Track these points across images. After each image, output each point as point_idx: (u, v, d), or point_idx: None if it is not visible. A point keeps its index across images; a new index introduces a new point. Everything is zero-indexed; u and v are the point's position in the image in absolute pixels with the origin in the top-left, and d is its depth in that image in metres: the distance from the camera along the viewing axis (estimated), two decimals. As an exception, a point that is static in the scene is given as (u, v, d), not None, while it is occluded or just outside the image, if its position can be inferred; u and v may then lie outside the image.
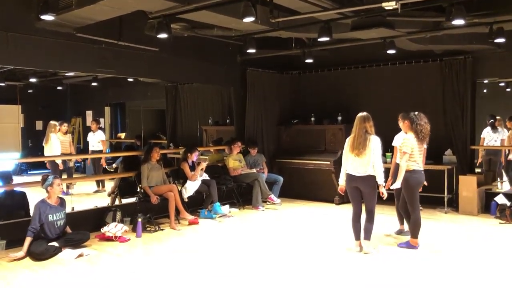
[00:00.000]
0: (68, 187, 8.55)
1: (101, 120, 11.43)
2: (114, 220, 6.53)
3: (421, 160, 5.53)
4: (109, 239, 5.97)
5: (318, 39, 6.40)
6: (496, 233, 6.23)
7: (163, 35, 5.90)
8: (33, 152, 10.65)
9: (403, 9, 5.26)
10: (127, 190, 7.20)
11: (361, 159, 5.09)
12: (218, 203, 7.32)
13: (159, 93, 11.09)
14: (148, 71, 7.43)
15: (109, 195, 7.76)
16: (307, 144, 8.97)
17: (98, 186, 9.42)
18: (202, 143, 10.15)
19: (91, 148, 9.83)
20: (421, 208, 5.56)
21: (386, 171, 5.61)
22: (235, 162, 8.24)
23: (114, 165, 9.54)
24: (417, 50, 7.68)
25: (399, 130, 6.05)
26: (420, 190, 5.57)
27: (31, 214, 5.43)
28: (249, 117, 8.85)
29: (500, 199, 7.10)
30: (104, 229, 6.08)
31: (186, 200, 7.22)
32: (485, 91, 8.81)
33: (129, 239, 6.03)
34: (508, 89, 9.69)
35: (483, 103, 8.24)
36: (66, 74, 9.64)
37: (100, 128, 9.97)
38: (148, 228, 6.50)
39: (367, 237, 5.25)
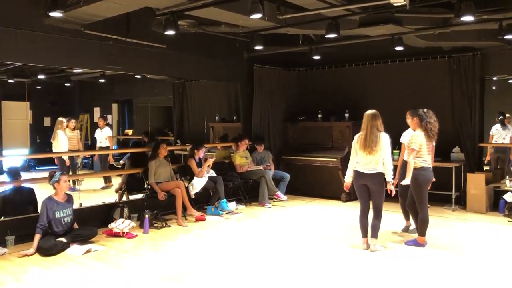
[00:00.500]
0: (75, 183, 8.61)
1: (109, 116, 11.46)
2: (121, 216, 6.56)
3: (429, 157, 5.50)
4: (116, 235, 6.00)
5: (326, 36, 6.38)
6: (505, 231, 6.19)
7: (170, 32, 5.91)
8: (41, 148, 10.71)
9: (411, 5, 5.23)
10: (134, 186, 7.22)
11: (373, 157, 5.07)
12: (225, 200, 7.33)
13: (166, 90, 11.12)
14: (155, 68, 7.44)
15: (116, 191, 7.80)
16: (314, 141, 8.95)
17: (106, 182, 9.47)
18: (209, 140, 10.17)
19: (98, 144, 9.88)
20: (428, 206, 5.53)
21: (394, 169, 5.58)
22: (241, 159, 8.24)
23: (121, 162, 9.59)
24: (425, 46, 7.63)
25: (407, 127, 6.01)
26: (429, 187, 5.55)
27: (39, 210, 5.47)
28: (256, 114, 8.84)
29: (509, 197, 7.05)
30: (112, 225, 6.11)
31: (193, 196, 7.24)
32: (494, 88, 8.73)
33: (136, 235, 6.06)
34: (517, 86, 9.59)
35: (491, 100, 8.18)
36: (74, 70, 9.67)
37: (107, 125, 10.01)
38: (155, 225, 6.53)
39: (375, 234, 5.24)
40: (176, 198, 6.68)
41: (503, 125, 8.33)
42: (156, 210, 6.65)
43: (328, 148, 8.68)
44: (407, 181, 5.37)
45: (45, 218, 5.32)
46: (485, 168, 8.14)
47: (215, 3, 5.45)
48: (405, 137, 6.18)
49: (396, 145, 6.52)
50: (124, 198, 7.28)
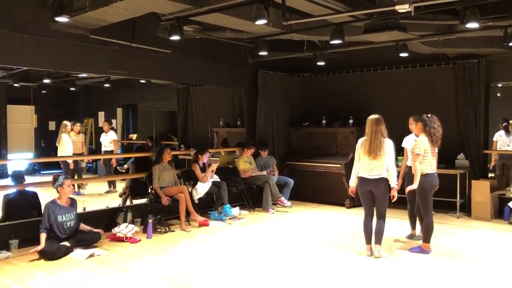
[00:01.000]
0: (79, 187, 8.62)
1: (113, 121, 11.50)
2: (125, 220, 6.56)
3: (434, 162, 5.48)
4: (120, 239, 6.00)
5: (330, 42, 6.39)
6: (509, 239, 6.15)
7: (175, 37, 5.94)
8: (45, 152, 10.74)
9: (416, 12, 5.23)
10: (138, 191, 7.24)
11: (377, 162, 5.06)
12: (228, 205, 7.32)
13: (170, 95, 11.15)
14: (160, 72, 7.48)
15: (120, 195, 7.81)
16: (318, 146, 8.94)
17: (110, 186, 9.48)
18: (213, 145, 10.18)
19: (103, 148, 9.90)
20: (433, 212, 5.50)
21: (397, 175, 5.56)
22: (245, 164, 8.24)
23: (125, 166, 9.59)
24: (430, 53, 7.63)
25: (411, 133, 6.01)
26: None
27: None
28: (260, 119, 8.85)
29: (514, 205, 7.02)
30: (115, 230, 6.11)
31: (197, 201, 7.24)
32: (498, 94, 8.70)
33: (139, 240, 6.06)
34: (522, 93, 9.56)
35: (496, 107, 8.15)
36: (79, 75, 9.72)
37: (112, 129, 10.04)
38: (159, 229, 6.53)
39: (378, 241, 5.21)
40: (180, 203, 6.68)
41: (507, 132, 8.29)
42: (159, 215, 6.66)
43: (332, 154, 8.67)
44: (414, 186, 5.34)
45: (47, 221, 5.33)
46: (490, 175, 8.10)
47: (220, 9, 5.47)
48: (407, 142, 6.19)
49: (400, 151, 6.51)
50: (128, 203, 7.29)
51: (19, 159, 8.83)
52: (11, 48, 5.56)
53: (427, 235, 5.41)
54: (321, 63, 8.30)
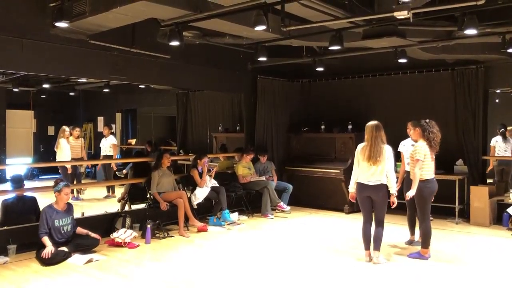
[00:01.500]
0: (78, 192, 8.61)
1: (112, 126, 11.53)
2: (123, 226, 6.55)
3: (433, 167, 5.49)
4: (118, 245, 5.99)
5: (329, 48, 6.40)
6: (508, 245, 6.15)
7: (175, 43, 5.95)
8: (44, 157, 10.75)
9: (415, 18, 5.26)
10: (137, 196, 7.23)
11: (377, 168, 5.07)
12: (227, 210, 7.32)
13: (170, 100, 11.17)
14: (159, 78, 7.49)
15: (119, 201, 7.80)
16: (317, 152, 8.95)
17: (108, 191, 9.47)
18: (212, 150, 10.18)
19: (103, 153, 9.90)
20: (431, 218, 5.50)
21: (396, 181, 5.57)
22: (244, 169, 8.24)
23: (124, 171, 9.60)
24: (428, 59, 7.65)
25: (408, 137, 6.05)
26: (432, 199, 5.55)
27: (41, 219, 5.48)
28: (259, 124, 8.86)
29: (513, 211, 7.02)
30: (114, 235, 6.10)
31: (195, 207, 7.23)
32: (497, 100, 8.74)
33: (138, 245, 6.05)
34: (521, 99, 9.59)
35: (494, 113, 8.17)
36: (79, 80, 9.74)
37: (111, 133, 10.06)
38: (157, 235, 6.52)
39: (377, 247, 5.21)
40: (178, 208, 6.67)
41: (504, 138, 8.32)
42: (158, 220, 6.64)
43: (331, 160, 8.68)
44: (412, 192, 5.34)
45: (45, 225, 5.33)
46: (489, 180, 8.11)
47: (220, 15, 5.49)
48: (404, 146, 6.21)
49: (400, 157, 6.53)
50: (127, 208, 7.27)
51: (18, 164, 8.82)
52: (11, 53, 5.57)
53: (425, 241, 5.41)
54: (320, 69, 8.32)
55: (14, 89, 10.10)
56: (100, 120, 12.38)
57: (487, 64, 7.57)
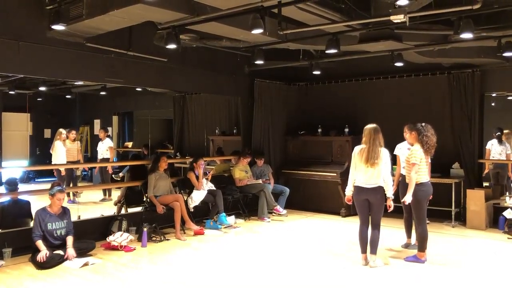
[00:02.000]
0: (74, 195, 8.58)
1: (109, 129, 11.49)
2: (120, 229, 6.53)
3: (427, 172, 5.50)
4: (114, 248, 5.97)
5: (326, 51, 6.42)
6: (504, 249, 6.16)
7: (172, 46, 5.96)
8: (40, 160, 10.69)
9: (411, 22, 5.28)
10: (133, 199, 7.21)
11: (374, 170, 5.07)
12: (224, 214, 7.30)
13: (167, 103, 11.15)
14: (156, 81, 7.48)
15: (115, 204, 7.77)
16: (313, 155, 8.96)
17: (105, 194, 9.44)
18: (209, 153, 10.17)
19: (100, 156, 9.87)
20: (428, 221, 5.51)
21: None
22: (241, 173, 8.23)
23: (120, 174, 9.56)
24: (425, 63, 7.69)
25: (404, 140, 6.06)
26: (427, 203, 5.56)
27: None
28: (256, 127, 8.86)
29: (509, 214, 7.03)
30: (110, 238, 6.08)
31: (192, 210, 7.22)
32: (493, 104, 8.77)
33: (134, 249, 6.03)
34: (516, 103, 9.63)
35: (491, 117, 8.20)
36: (75, 83, 9.71)
37: (108, 136, 10.03)
38: (154, 238, 6.50)
39: (374, 250, 5.21)
40: (175, 211, 6.66)
41: (500, 141, 8.35)
42: (154, 224, 6.63)
43: (328, 163, 8.69)
44: (408, 197, 5.34)
45: (39, 228, 5.31)
46: (485, 184, 8.13)
47: (217, 18, 5.50)
48: (399, 150, 6.22)
49: (395, 160, 6.54)
50: (123, 211, 7.25)
51: (14, 167, 8.78)
52: (7, 55, 5.55)
53: (422, 244, 5.41)
54: (317, 72, 8.33)
55: (10, 92, 10.05)
56: (97, 123, 12.33)
57: (483, 68, 7.60)
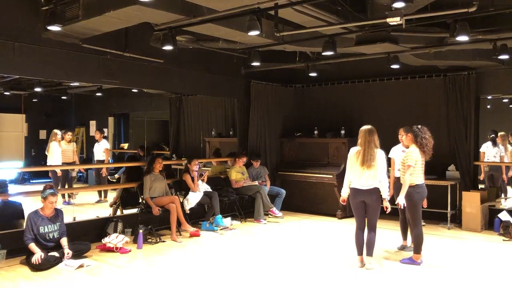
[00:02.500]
0: (70, 196, 8.54)
1: (105, 130, 11.46)
2: (115, 231, 6.51)
3: (422, 174, 5.51)
4: (110, 250, 5.94)
5: (322, 53, 6.43)
6: (500, 251, 6.18)
7: (168, 47, 5.94)
8: (36, 161, 10.65)
9: (407, 24, 5.30)
10: (129, 201, 7.18)
11: (370, 172, 5.07)
12: (220, 215, 7.29)
13: (163, 104, 11.14)
14: (152, 82, 7.46)
15: (111, 205, 7.75)
16: (310, 157, 8.96)
17: (100, 196, 9.41)
18: (205, 155, 10.16)
19: (96, 157, 9.84)
20: (424, 223, 5.51)
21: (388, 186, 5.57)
22: (237, 174, 8.23)
23: (116, 176, 9.53)
24: (421, 65, 7.71)
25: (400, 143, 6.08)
26: (426, 205, 5.57)
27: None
28: (252, 129, 8.86)
29: (504, 216, 7.06)
30: (105, 240, 6.06)
31: (188, 212, 7.20)
32: (488, 106, 8.81)
33: (130, 251, 6.00)
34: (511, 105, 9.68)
35: (486, 119, 8.23)
36: (71, 84, 9.68)
37: (104, 137, 10.00)
38: (149, 240, 6.48)
39: (370, 252, 5.21)
40: (171, 213, 6.64)
41: (494, 144, 8.38)
42: (150, 225, 6.61)
43: (324, 165, 8.69)
44: (400, 198, 5.34)
45: (30, 231, 5.26)
46: (481, 186, 8.16)
47: (213, 20, 5.50)
48: (394, 152, 6.22)
49: (390, 163, 6.55)
50: (118, 213, 7.23)
51: (9, 168, 8.74)
52: (2, 56, 5.52)
53: (417, 246, 5.42)
54: (313, 74, 8.34)
55: (5, 93, 10.01)
56: (93, 124, 12.29)
57: (479, 70, 7.64)
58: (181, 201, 7.13)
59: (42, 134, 11.54)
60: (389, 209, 5.22)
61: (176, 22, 5.52)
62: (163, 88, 8.28)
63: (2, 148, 10.50)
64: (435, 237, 6.85)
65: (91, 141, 10.38)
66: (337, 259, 5.64)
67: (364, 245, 5.24)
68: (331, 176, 8.32)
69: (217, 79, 8.40)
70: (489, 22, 5.87)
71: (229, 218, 7.62)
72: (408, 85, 8.36)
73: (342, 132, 8.59)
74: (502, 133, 8.69)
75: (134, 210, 7.14)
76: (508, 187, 8.63)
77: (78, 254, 5.54)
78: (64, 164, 8.81)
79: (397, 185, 5.83)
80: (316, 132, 8.99)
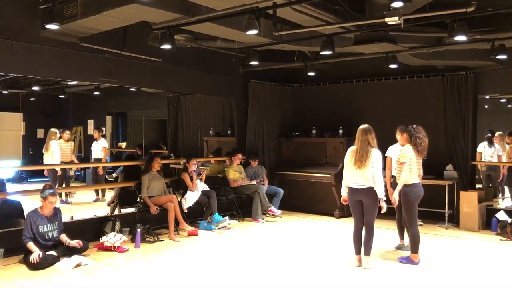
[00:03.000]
0: (67, 195, 8.52)
1: (103, 129, 11.44)
2: (113, 230, 6.50)
3: (417, 173, 5.52)
4: (107, 249, 5.94)
5: (321, 53, 6.43)
6: (497, 250, 6.19)
7: (166, 46, 5.94)
8: (33, 160, 10.62)
9: (405, 24, 5.30)
10: (127, 200, 7.17)
11: (362, 171, 5.07)
12: (217, 214, 7.29)
13: (161, 103, 11.12)
14: (151, 81, 7.46)
15: (108, 204, 7.74)
16: (308, 156, 8.97)
17: (98, 195, 9.39)
18: (203, 154, 10.15)
19: (94, 156, 9.82)
20: (421, 223, 5.52)
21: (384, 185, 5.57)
22: (235, 174, 8.23)
23: (114, 175, 9.52)
24: (419, 65, 7.72)
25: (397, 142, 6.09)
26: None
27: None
28: (250, 128, 8.86)
29: (501, 216, 7.08)
30: (103, 239, 6.06)
31: (186, 211, 7.20)
32: (486, 106, 8.83)
33: (127, 250, 6.00)
34: (509, 105, 9.69)
35: (484, 119, 8.25)
36: (69, 82, 9.66)
37: (102, 136, 9.99)
38: (147, 239, 6.47)
39: (367, 252, 5.21)
40: (169, 212, 6.64)
41: (490, 143, 8.40)
42: (148, 224, 6.60)
43: (322, 164, 8.70)
44: (395, 194, 5.35)
45: (29, 231, 5.26)
46: (478, 186, 8.17)
47: (211, 19, 5.49)
48: (391, 151, 6.23)
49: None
50: (116, 212, 7.22)
51: (6, 167, 8.72)
52: (0, 55, 5.51)
53: (414, 246, 5.42)
54: (311, 74, 8.35)
55: (2, 91, 9.99)
56: (90, 123, 12.27)
57: (477, 70, 7.65)
58: (179, 200, 7.13)
59: (40, 133, 11.50)
60: (384, 209, 5.22)
61: (175, 21, 5.51)
62: (161, 87, 8.27)
63: (0, 147, 10.47)
64: (433, 237, 6.86)
65: (89, 140, 10.37)
66: (335, 259, 5.64)
67: (362, 244, 5.25)
68: (329, 175, 8.33)
69: (215, 79, 8.39)
70: (487, 22, 5.87)
71: (227, 217, 7.62)
72: (406, 85, 8.37)
73: (340, 131, 8.60)
74: (499, 133, 8.71)
75: (132, 209, 7.14)
76: (505, 187, 8.66)
77: (75, 253, 5.52)
78: (62, 163, 8.78)
79: (393, 184, 5.84)
80: (314, 131, 8.99)
